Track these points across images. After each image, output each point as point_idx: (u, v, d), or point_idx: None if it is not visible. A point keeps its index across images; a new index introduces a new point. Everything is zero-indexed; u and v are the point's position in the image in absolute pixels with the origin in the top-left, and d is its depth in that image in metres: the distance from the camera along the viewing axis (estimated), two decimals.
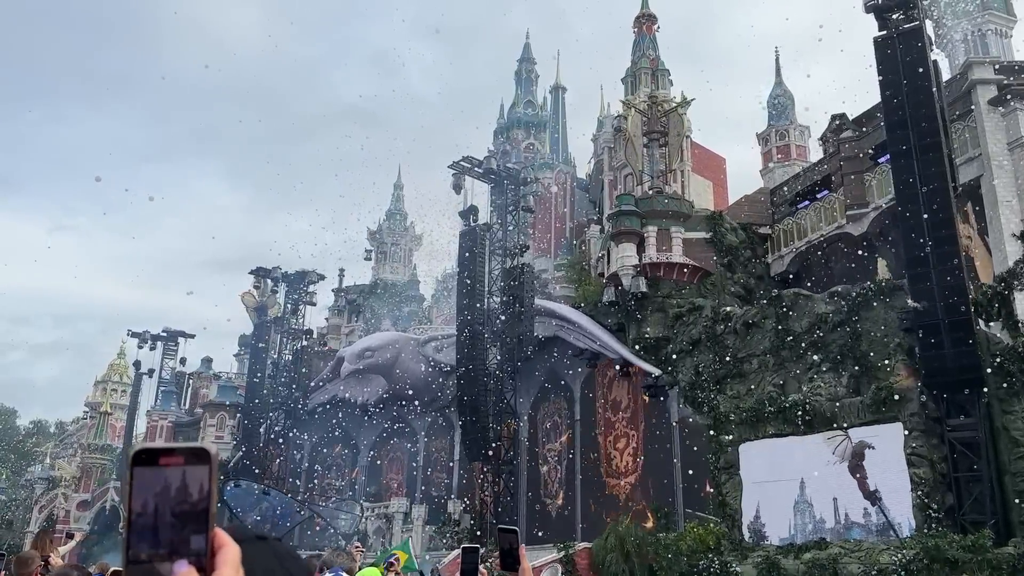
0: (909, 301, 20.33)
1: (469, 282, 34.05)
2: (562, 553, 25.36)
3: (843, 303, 23.47)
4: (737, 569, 21.66)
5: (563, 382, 35.78)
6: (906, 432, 20.62)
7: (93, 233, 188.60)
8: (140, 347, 57.11)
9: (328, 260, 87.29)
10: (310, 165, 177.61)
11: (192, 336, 59.13)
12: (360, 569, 4.67)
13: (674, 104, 35.19)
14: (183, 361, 59.56)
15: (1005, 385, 19.70)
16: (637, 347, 29.98)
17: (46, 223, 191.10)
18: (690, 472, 28.46)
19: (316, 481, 47.02)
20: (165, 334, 58.02)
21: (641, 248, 31.27)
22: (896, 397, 20.87)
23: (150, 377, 56.94)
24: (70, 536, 17.86)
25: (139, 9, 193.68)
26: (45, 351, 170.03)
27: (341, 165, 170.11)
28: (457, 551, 29.85)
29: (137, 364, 57.87)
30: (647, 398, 30.46)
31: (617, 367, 31.35)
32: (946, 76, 26.06)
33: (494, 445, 32.89)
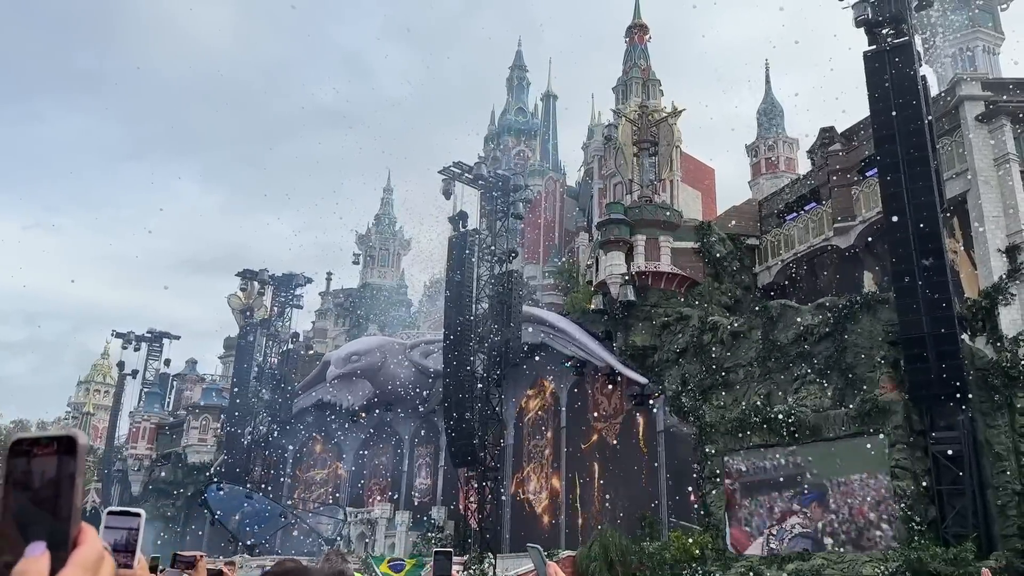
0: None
1: (456, 288, 33.96)
2: None
3: (829, 315, 23.57)
4: None
5: (550, 389, 35.76)
6: (890, 444, 20.71)
7: (69, 232, 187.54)
8: (124, 348, 56.74)
9: (309, 262, 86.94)
10: (287, 166, 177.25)
11: (177, 337, 58.83)
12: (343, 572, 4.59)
13: (665, 114, 35.31)
14: (167, 363, 59.20)
15: (989, 399, 19.82)
16: (624, 355, 30.02)
17: (24, 220, 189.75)
18: (672, 481, 28.49)
19: (300, 486, 46.77)
20: (150, 335, 57.62)
21: (630, 257, 31.33)
22: (880, 409, 20.97)
23: (134, 378, 56.57)
24: None
25: (114, 7, 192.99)
26: (16, 349, 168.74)
27: (319, 167, 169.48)
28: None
29: (121, 365, 57.49)
30: (633, 406, 30.46)
31: (604, 375, 31.36)
32: (934, 92, 26.27)
33: (480, 451, 32.78)
